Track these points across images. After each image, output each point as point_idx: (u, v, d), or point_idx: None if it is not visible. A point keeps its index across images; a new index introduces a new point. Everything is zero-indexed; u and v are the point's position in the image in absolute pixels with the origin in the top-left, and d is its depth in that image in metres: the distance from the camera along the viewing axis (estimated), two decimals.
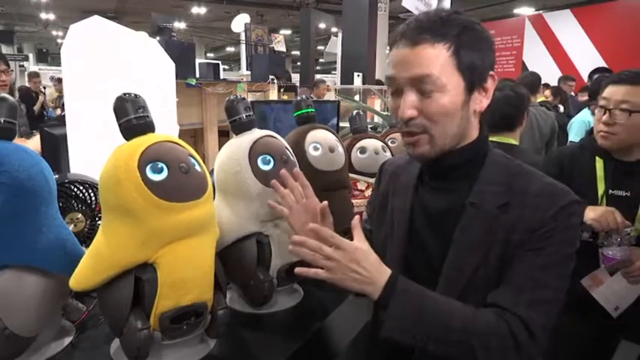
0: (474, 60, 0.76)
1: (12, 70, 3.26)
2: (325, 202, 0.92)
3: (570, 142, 3.12)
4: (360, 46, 6.89)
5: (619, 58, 6.54)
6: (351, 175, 1.62)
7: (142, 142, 0.84)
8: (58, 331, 0.99)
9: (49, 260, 0.88)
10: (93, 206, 1.17)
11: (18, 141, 0.89)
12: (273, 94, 5.39)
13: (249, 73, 6.64)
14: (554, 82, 5.64)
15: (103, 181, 0.83)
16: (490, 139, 1.81)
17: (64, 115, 1.44)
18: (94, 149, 1.17)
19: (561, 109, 4.61)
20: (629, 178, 1.36)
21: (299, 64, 14.58)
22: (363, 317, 1.13)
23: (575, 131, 3.19)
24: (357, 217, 0.80)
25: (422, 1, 4.38)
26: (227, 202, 1.09)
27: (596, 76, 3.92)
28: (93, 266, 0.84)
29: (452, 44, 0.74)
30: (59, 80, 8.04)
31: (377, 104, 5.33)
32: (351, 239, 0.76)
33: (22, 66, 14.18)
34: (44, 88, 8.00)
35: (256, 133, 1.11)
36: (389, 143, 1.86)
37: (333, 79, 10.65)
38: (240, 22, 8.77)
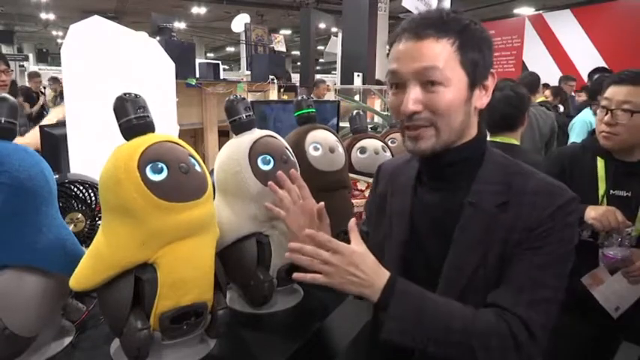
0: (476, 57, 0.77)
1: (12, 70, 3.26)
2: (322, 203, 0.92)
3: (572, 142, 3.12)
4: (360, 46, 6.89)
5: (619, 58, 6.54)
6: (351, 175, 1.62)
7: (142, 142, 0.84)
8: (58, 331, 0.99)
9: (49, 260, 0.88)
10: (93, 206, 1.17)
11: (18, 140, 0.89)
12: (273, 94, 5.39)
13: (249, 73, 6.64)
14: (554, 82, 5.64)
15: (103, 181, 0.83)
16: (492, 139, 1.84)
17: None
18: (94, 149, 1.16)
19: (561, 109, 4.61)
20: (630, 179, 1.36)
21: (299, 64, 14.57)
22: (363, 317, 1.13)
23: (577, 132, 3.19)
24: (353, 219, 0.80)
25: (422, 1, 4.38)
26: (227, 202, 1.09)
27: (595, 76, 3.91)
28: (93, 266, 0.84)
29: (455, 40, 0.75)
30: (54, 79, 8.04)
31: (377, 104, 5.33)
32: (349, 241, 0.76)
33: (22, 66, 14.18)
34: (44, 88, 8.01)
35: (256, 133, 1.11)
36: (389, 143, 1.86)
37: (333, 79, 10.65)
38: (240, 22, 8.78)
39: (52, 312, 0.94)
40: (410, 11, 4.21)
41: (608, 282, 1.33)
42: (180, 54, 4.10)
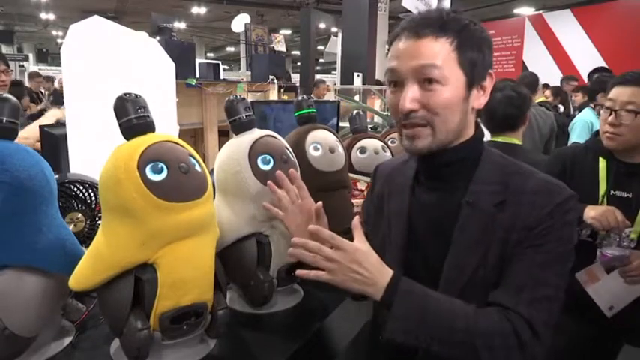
0: (474, 57, 0.77)
1: (12, 70, 3.26)
2: (320, 203, 0.92)
3: (573, 142, 3.12)
4: (360, 46, 6.89)
5: (619, 58, 6.54)
6: (351, 175, 1.62)
7: (142, 142, 0.84)
8: (58, 331, 0.99)
9: (49, 260, 0.88)
10: (93, 206, 1.17)
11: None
12: (273, 94, 5.39)
13: (249, 73, 6.64)
14: (554, 82, 5.64)
15: (103, 181, 0.83)
16: (493, 139, 1.84)
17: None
18: (94, 149, 1.16)
19: (561, 108, 4.62)
20: (630, 180, 1.36)
21: (299, 64, 14.58)
22: (363, 317, 1.13)
23: (578, 132, 3.18)
24: (357, 217, 0.80)
25: (422, 1, 4.38)
26: (227, 202, 1.09)
27: (595, 77, 3.92)
28: (93, 266, 0.84)
29: (454, 39, 0.75)
30: (47, 78, 8.02)
31: (377, 104, 5.33)
32: (352, 240, 0.76)
33: (22, 66, 14.19)
34: (44, 88, 7.99)
35: (256, 133, 1.11)
36: (389, 143, 1.86)
37: (333, 79, 10.64)
38: (240, 22, 8.77)
39: (52, 312, 0.94)
40: (410, 11, 4.21)
41: (603, 280, 1.33)
42: (180, 54, 4.10)
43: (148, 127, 0.87)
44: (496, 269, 0.76)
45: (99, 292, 0.87)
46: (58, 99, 6.95)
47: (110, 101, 0.88)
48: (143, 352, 0.84)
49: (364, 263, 0.73)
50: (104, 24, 1.48)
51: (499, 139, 1.79)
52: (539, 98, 3.91)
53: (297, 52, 16.97)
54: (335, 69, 13.43)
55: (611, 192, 1.37)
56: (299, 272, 0.76)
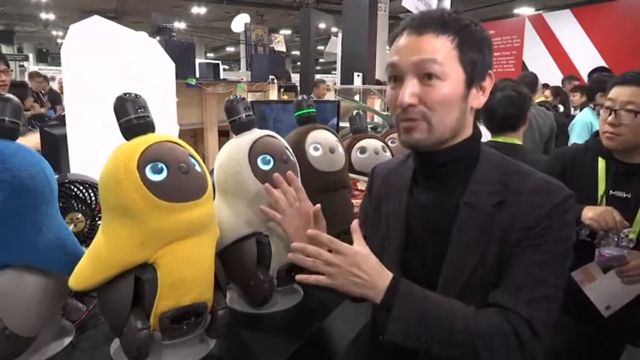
0: (475, 57, 0.77)
1: (12, 70, 3.26)
2: (318, 206, 0.92)
3: (573, 143, 3.12)
4: (360, 46, 6.89)
5: (619, 58, 6.54)
6: (351, 175, 1.62)
7: (142, 142, 0.84)
8: (58, 331, 0.99)
9: (49, 260, 0.88)
10: (93, 206, 1.17)
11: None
12: (273, 94, 5.40)
13: (249, 73, 6.64)
14: (554, 82, 5.64)
15: (103, 182, 0.83)
16: (494, 139, 1.84)
17: (64, 115, 1.44)
18: (94, 149, 1.17)
19: (561, 108, 4.62)
20: (630, 180, 1.36)
21: (299, 64, 14.58)
22: (362, 318, 1.13)
23: (578, 132, 3.19)
24: (356, 220, 0.80)
25: (422, 1, 4.38)
26: (227, 202, 1.09)
27: (594, 77, 3.92)
28: (92, 266, 0.84)
29: (455, 37, 0.76)
30: (43, 78, 7.99)
31: (377, 104, 5.33)
32: (351, 242, 0.76)
33: (22, 66, 14.19)
34: (43, 90, 7.99)
35: (256, 133, 1.11)
36: (389, 143, 1.86)
37: (333, 79, 10.65)
38: (240, 22, 8.78)
39: (52, 312, 0.94)
40: (410, 11, 4.22)
41: (600, 280, 1.33)
42: (180, 54, 4.10)
43: (147, 127, 0.87)
44: (495, 269, 0.76)
45: (99, 292, 0.87)
46: (55, 99, 6.95)
47: (110, 101, 0.88)
48: (143, 352, 0.84)
49: (364, 267, 0.73)
50: (104, 24, 1.48)
51: (500, 139, 1.79)
52: (539, 98, 3.91)
53: (297, 52, 16.97)
54: (335, 69, 13.43)
55: (611, 192, 1.37)
56: (299, 277, 0.76)
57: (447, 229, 0.79)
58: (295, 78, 9.73)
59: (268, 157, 1.07)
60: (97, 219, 1.18)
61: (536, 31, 8.16)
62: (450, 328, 0.71)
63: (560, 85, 5.45)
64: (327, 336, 1.15)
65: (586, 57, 7.21)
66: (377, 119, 3.72)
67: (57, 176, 0.93)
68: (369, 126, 2.33)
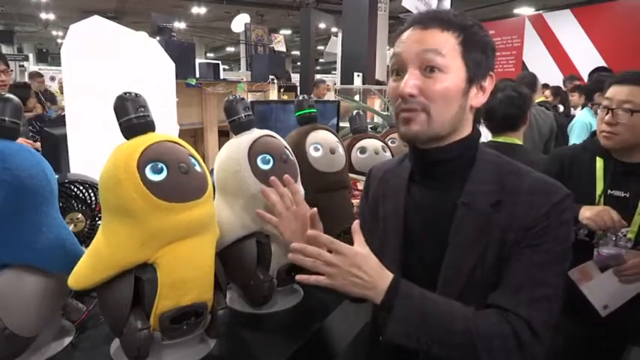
0: (477, 57, 0.78)
1: (12, 70, 3.26)
2: (315, 209, 0.92)
3: (572, 144, 3.12)
4: (360, 46, 6.89)
5: (619, 58, 6.54)
6: (351, 175, 1.62)
7: (142, 141, 0.84)
8: (58, 331, 0.99)
9: (49, 260, 0.88)
10: (93, 206, 1.17)
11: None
12: (273, 94, 5.40)
13: (249, 73, 6.64)
14: (554, 82, 5.64)
15: (103, 182, 0.83)
16: (495, 139, 1.84)
17: (64, 115, 1.44)
18: (94, 149, 1.17)
19: (561, 108, 4.61)
20: (628, 179, 1.35)
21: (299, 64, 14.58)
22: (362, 318, 1.13)
23: (577, 133, 3.19)
24: (357, 221, 0.80)
25: (422, 1, 4.38)
26: (227, 201, 1.09)
27: (592, 77, 3.92)
28: (92, 266, 0.84)
29: (460, 34, 0.76)
30: (42, 77, 7.97)
31: (377, 104, 5.33)
32: (352, 243, 0.76)
33: (22, 66, 14.19)
34: (43, 89, 7.99)
35: (255, 133, 1.11)
36: (389, 143, 1.86)
37: (333, 79, 10.65)
38: (240, 22, 8.78)
39: (52, 312, 0.94)
40: (410, 11, 4.22)
41: (597, 279, 1.32)
42: (180, 54, 4.10)
43: (148, 126, 0.87)
44: (494, 269, 0.76)
45: (99, 292, 0.87)
46: (50, 99, 6.95)
47: (110, 101, 0.88)
48: (143, 352, 0.84)
49: (364, 267, 0.73)
50: (104, 24, 1.48)
51: (500, 139, 1.79)
52: (538, 98, 3.91)
53: (297, 52, 16.97)
54: (335, 69, 13.44)
55: (609, 191, 1.37)
56: (299, 277, 0.76)
57: (444, 228, 0.79)
58: (295, 78, 9.74)
59: (268, 157, 1.07)
60: (97, 219, 1.18)
61: (536, 31, 8.16)
62: (449, 329, 0.71)
63: (560, 85, 5.45)
64: (327, 336, 1.15)
65: (586, 57, 7.21)
66: (377, 119, 3.72)
67: (57, 176, 0.94)
68: (369, 126, 2.33)
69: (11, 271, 0.85)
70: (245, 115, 1.11)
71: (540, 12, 8.54)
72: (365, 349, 1.03)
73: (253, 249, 1.08)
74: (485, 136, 1.81)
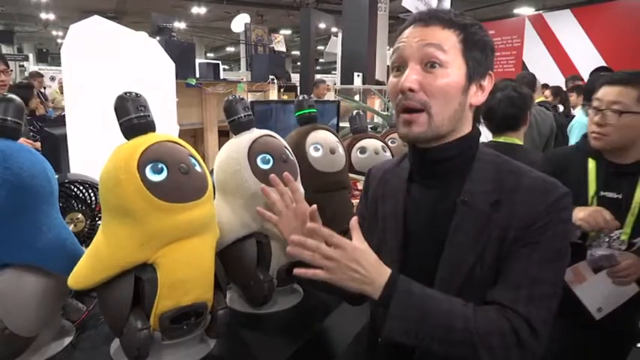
0: (477, 56, 0.78)
1: (12, 70, 3.26)
2: (315, 206, 0.92)
3: (568, 145, 3.12)
4: (360, 46, 6.89)
5: (619, 58, 6.54)
6: (351, 175, 1.62)
7: (143, 141, 0.84)
8: (58, 331, 0.99)
9: (49, 260, 0.88)
10: (93, 206, 1.17)
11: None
12: (273, 94, 5.40)
13: (249, 73, 6.65)
14: (554, 82, 5.64)
15: (103, 182, 0.83)
16: (495, 139, 1.83)
17: (64, 115, 1.44)
18: (94, 149, 1.17)
19: (561, 108, 4.61)
20: (620, 180, 1.34)
21: (299, 64, 14.58)
22: (363, 317, 1.13)
23: (577, 133, 3.19)
24: (355, 217, 0.80)
25: (422, 1, 4.39)
26: (227, 201, 1.09)
27: (591, 77, 3.92)
28: (92, 266, 0.84)
29: (461, 33, 0.77)
30: (42, 77, 7.96)
31: (377, 104, 5.33)
32: (350, 239, 0.76)
33: (22, 66, 14.19)
34: (44, 88, 8.00)
35: (255, 133, 1.11)
36: (389, 143, 1.86)
37: (333, 79, 10.65)
38: (240, 22, 8.78)
39: (52, 312, 0.94)
40: (410, 11, 4.22)
41: (591, 280, 1.31)
42: (180, 54, 4.11)
43: (148, 126, 0.87)
44: (493, 269, 0.76)
45: (99, 292, 0.87)
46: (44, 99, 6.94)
47: (110, 101, 0.88)
48: (143, 352, 0.84)
49: (362, 262, 0.73)
50: (104, 24, 1.48)
51: (500, 139, 1.79)
52: (538, 98, 3.91)
53: (297, 52, 16.97)
54: (335, 69, 13.43)
55: (601, 193, 1.36)
56: (297, 271, 0.76)
57: (444, 228, 0.79)
58: (295, 78, 9.73)
59: (268, 157, 1.07)
60: (97, 219, 1.18)
61: (536, 31, 8.16)
62: (448, 326, 0.71)
63: (560, 85, 5.44)
64: (327, 336, 1.15)
65: (586, 57, 7.20)
66: (377, 119, 3.72)
67: (57, 176, 0.94)
68: (369, 126, 2.33)
69: (11, 271, 0.85)
70: (245, 115, 1.11)
71: (540, 12, 8.54)
72: (365, 349, 1.03)
73: (253, 249, 1.08)
74: (486, 136, 1.81)
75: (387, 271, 0.74)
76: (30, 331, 0.88)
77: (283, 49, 7.76)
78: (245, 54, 10.45)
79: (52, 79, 10.32)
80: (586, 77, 5.21)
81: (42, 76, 7.62)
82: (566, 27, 7.68)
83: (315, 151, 1.30)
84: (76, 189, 1.15)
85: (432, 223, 0.82)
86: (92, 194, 1.17)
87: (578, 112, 3.49)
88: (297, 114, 1.36)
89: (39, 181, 0.84)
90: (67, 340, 0.98)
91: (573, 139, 3.20)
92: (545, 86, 5.09)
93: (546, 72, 6.90)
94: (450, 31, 0.77)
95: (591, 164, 1.40)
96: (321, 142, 1.31)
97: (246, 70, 7.84)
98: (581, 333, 1.36)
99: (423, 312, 0.72)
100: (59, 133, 1.44)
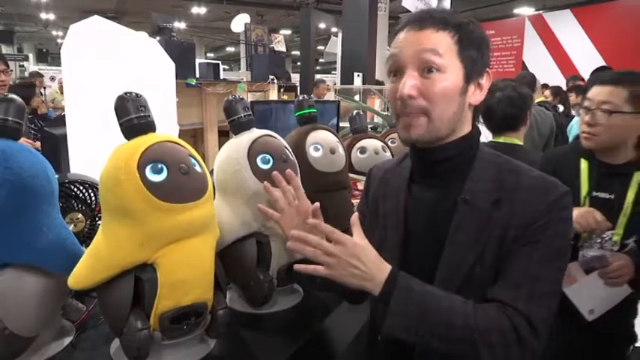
0: (473, 54, 0.78)
1: (12, 70, 3.26)
2: (317, 204, 0.92)
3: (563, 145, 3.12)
4: (360, 46, 6.89)
5: (619, 58, 6.54)
6: (351, 175, 1.62)
7: (143, 142, 0.84)
8: (58, 331, 0.99)
9: (49, 259, 0.88)
10: (93, 206, 1.17)
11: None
12: (273, 94, 5.40)
13: (249, 73, 6.65)
14: (554, 82, 5.64)
15: (103, 182, 0.84)
16: (495, 139, 1.83)
17: (64, 115, 1.44)
18: (94, 149, 1.17)
19: (561, 108, 4.61)
20: (612, 181, 1.34)
21: (299, 64, 14.58)
22: (363, 317, 1.13)
23: (576, 133, 3.19)
24: (355, 214, 0.80)
25: (422, 1, 4.39)
26: (227, 201, 1.09)
27: (589, 77, 3.92)
28: (92, 266, 0.84)
29: (455, 34, 0.77)
30: (42, 77, 7.94)
31: (377, 104, 5.33)
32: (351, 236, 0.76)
33: (22, 66, 14.19)
34: (44, 88, 8.00)
35: (255, 133, 1.11)
36: (389, 143, 1.86)
37: (333, 79, 10.64)
38: (240, 22, 8.79)
39: (52, 312, 0.94)
40: (410, 11, 4.22)
41: (582, 281, 1.30)
42: (180, 54, 4.11)
43: (148, 126, 0.87)
44: (493, 268, 0.76)
45: (99, 292, 0.87)
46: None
47: (110, 101, 0.88)
48: (143, 352, 0.84)
49: (363, 258, 0.73)
50: (104, 24, 1.48)
51: (500, 140, 1.79)
52: (538, 98, 3.91)
53: (297, 52, 16.97)
54: (335, 69, 13.43)
55: (593, 193, 1.36)
56: (297, 267, 0.76)
57: (444, 226, 0.80)
58: (295, 78, 9.74)
59: (267, 157, 1.07)
60: (97, 219, 1.18)
61: (536, 31, 8.16)
62: (448, 323, 0.71)
63: (561, 84, 5.44)
64: (327, 336, 1.15)
65: (586, 57, 7.21)
66: (377, 119, 3.72)
67: (57, 176, 0.94)
68: (369, 126, 2.33)
69: (11, 270, 0.85)
70: (244, 115, 1.11)
71: (540, 12, 8.54)
72: (365, 349, 1.03)
73: (253, 249, 1.08)
74: (486, 136, 1.81)
75: (387, 268, 0.75)
76: (30, 331, 0.88)
77: (283, 49, 7.76)
78: (245, 54, 10.45)
79: (52, 79, 10.32)
80: (586, 77, 5.21)
81: (42, 76, 7.62)
82: (566, 27, 7.68)
83: (315, 151, 1.30)
84: (76, 189, 1.15)
85: (432, 223, 0.82)
86: (92, 194, 1.17)
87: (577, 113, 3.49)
88: (297, 114, 1.36)
89: (39, 181, 0.84)
90: (67, 340, 0.98)
91: (573, 139, 3.20)
92: (545, 86, 5.09)
93: (546, 72, 6.90)
94: (445, 32, 0.76)
95: (584, 164, 1.39)
96: (321, 142, 1.31)
97: (246, 70, 7.85)
98: (578, 334, 1.36)
99: (423, 309, 0.72)
100: (59, 133, 1.45)
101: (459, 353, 0.72)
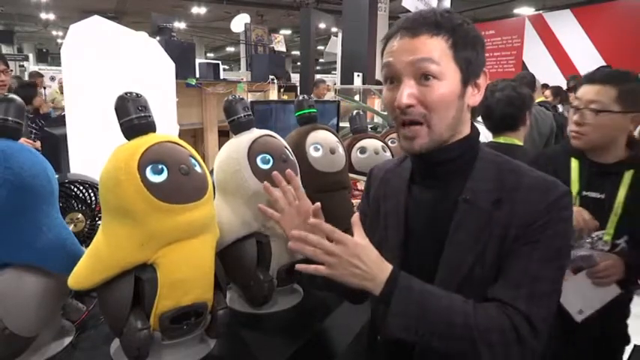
0: (469, 55, 0.77)
1: (11, 70, 3.27)
2: (318, 204, 0.92)
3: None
4: (360, 46, 6.89)
5: (619, 58, 6.54)
6: (351, 175, 1.62)
7: (143, 142, 0.84)
8: (58, 331, 0.99)
9: (49, 259, 0.88)
10: (93, 206, 1.17)
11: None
12: (273, 94, 5.40)
13: (249, 73, 6.65)
14: (554, 82, 5.64)
15: (103, 182, 0.84)
16: (495, 140, 1.83)
17: (64, 115, 1.44)
18: (94, 149, 1.17)
19: (560, 108, 4.62)
20: (603, 180, 1.33)
21: (299, 64, 14.58)
22: (363, 317, 1.13)
23: None
24: (356, 214, 0.80)
25: (422, 1, 4.38)
26: (227, 201, 1.09)
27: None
28: (92, 266, 0.84)
29: (449, 37, 0.76)
30: (42, 77, 7.91)
31: (377, 104, 5.33)
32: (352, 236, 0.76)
33: (22, 66, 14.19)
34: (44, 88, 8.00)
35: (255, 133, 1.11)
36: (389, 143, 1.86)
37: (333, 79, 10.64)
38: (240, 22, 8.78)
39: (52, 312, 0.94)
40: (410, 11, 4.22)
41: (570, 281, 1.28)
42: (180, 54, 4.11)
43: (149, 126, 0.87)
44: (493, 268, 0.76)
45: (99, 292, 0.87)
46: None
47: (110, 101, 0.88)
48: (143, 352, 0.84)
49: (364, 258, 0.73)
50: (104, 24, 1.48)
51: (500, 140, 1.79)
52: (538, 98, 3.92)
53: (297, 52, 16.97)
54: (335, 69, 13.42)
55: (584, 192, 1.35)
56: (299, 266, 0.76)
57: (445, 226, 0.80)
58: (295, 78, 9.74)
59: (267, 157, 1.07)
60: (97, 219, 1.18)
61: (536, 31, 8.16)
62: (449, 322, 0.71)
63: (561, 84, 5.45)
64: (327, 336, 1.15)
65: (586, 57, 7.21)
66: (377, 119, 3.71)
67: (57, 176, 0.94)
68: (369, 126, 2.33)
69: (11, 270, 0.85)
70: (244, 115, 1.11)
71: (540, 12, 8.55)
72: (365, 349, 1.03)
73: (253, 249, 1.08)
74: (486, 136, 1.81)
75: (388, 267, 0.75)
76: (30, 331, 0.88)
77: (283, 49, 7.76)
78: (245, 54, 10.45)
79: (52, 79, 10.31)
80: None
81: (42, 76, 7.62)
82: (566, 27, 7.69)
83: (315, 151, 1.30)
84: (76, 189, 1.15)
85: (432, 223, 0.82)
86: (92, 194, 1.17)
87: None
88: (297, 114, 1.36)
89: (39, 181, 0.84)
90: (67, 340, 0.98)
91: None
92: (545, 86, 5.09)
93: (546, 72, 6.91)
94: (439, 37, 0.75)
95: (574, 164, 1.39)
96: (321, 142, 1.31)
97: (246, 70, 7.85)
98: (573, 335, 1.35)
99: (424, 308, 0.72)
100: (59, 133, 1.45)
101: (458, 352, 0.72)
